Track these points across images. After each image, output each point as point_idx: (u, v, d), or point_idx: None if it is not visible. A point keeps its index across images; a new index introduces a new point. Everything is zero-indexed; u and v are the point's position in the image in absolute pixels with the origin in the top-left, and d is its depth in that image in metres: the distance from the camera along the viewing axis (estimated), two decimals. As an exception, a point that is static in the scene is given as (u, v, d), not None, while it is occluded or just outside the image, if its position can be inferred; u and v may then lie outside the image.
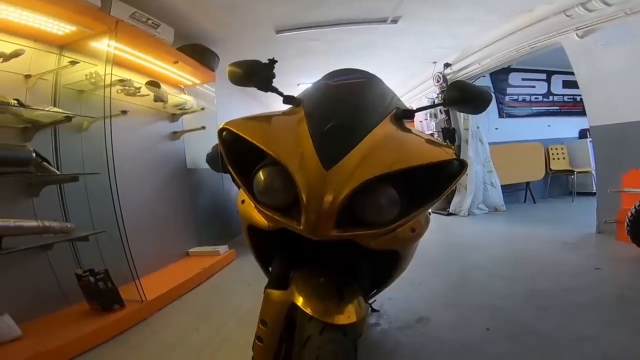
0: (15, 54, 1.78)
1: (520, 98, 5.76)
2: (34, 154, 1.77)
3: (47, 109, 1.86)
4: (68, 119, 1.96)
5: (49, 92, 2.05)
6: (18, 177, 1.78)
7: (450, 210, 4.92)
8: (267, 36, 3.68)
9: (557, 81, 5.86)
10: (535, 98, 5.85)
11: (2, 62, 1.75)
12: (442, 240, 3.65)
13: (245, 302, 2.17)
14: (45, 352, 1.47)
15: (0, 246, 1.57)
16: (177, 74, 3.23)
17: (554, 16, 3.24)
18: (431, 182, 0.87)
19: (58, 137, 2.07)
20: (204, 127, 3.45)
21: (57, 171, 1.95)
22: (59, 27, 2.00)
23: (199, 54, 3.32)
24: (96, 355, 1.61)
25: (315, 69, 4.79)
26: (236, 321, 1.92)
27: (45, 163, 1.86)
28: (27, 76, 1.93)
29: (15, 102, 1.69)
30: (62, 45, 2.13)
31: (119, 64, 2.46)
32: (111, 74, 2.12)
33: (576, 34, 3.11)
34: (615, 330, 1.48)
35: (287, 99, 1.09)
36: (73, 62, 2.03)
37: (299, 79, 5.17)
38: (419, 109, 1.17)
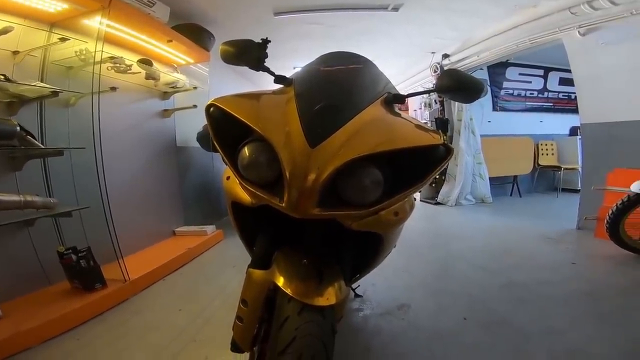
0: (3, 31, 1.74)
1: (516, 92, 5.77)
2: (18, 128, 1.73)
3: (33, 84, 1.82)
4: (54, 94, 1.92)
5: (37, 68, 2.00)
6: (1, 151, 1.75)
7: (439, 199, 4.99)
8: (264, 17, 3.59)
9: (554, 78, 5.87)
10: (531, 93, 5.87)
11: (-11, 39, 1.70)
12: (428, 229, 3.71)
13: (230, 284, 2.20)
14: (25, 331, 1.47)
15: None
16: (171, 53, 3.16)
17: (558, 13, 3.23)
18: (417, 168, 0.86)
19: (44, 112, 2.03)
20: (195, 106, 3.40)
21: (41, 145, 1.92)
22: (51, 5, 1.94)
23: (195, 33, 3.24)
24: (76, 334, 1.61)
25: (312, 53, 4.61)
26: (220, 302, 1.95)
27: (29, 137, 1.83)
28: (15, 52, 1.88)
29: (1, 76, 1.65)
30: (53, 23, 2.07)
31: (111, 42, 2.40)
32: (102, 51, 2.08)
33: (578, 31, 3.11)
34: (583, 324, 1.56)
35: (278, 79, 1.08)
36: (63, 39, 1.97)
37: (295, 62, 5.06)
38: (410, 95, 1.15)
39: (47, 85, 1.90)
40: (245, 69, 1.12)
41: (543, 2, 3.30)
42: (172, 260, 2.56)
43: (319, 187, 0.77)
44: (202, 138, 3.55)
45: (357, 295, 1.90)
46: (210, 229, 3.31)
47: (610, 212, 2.39)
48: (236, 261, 2.60)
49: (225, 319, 1.67)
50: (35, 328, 1.51)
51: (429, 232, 3.60)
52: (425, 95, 5.39)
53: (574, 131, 5.68)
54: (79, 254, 1.88)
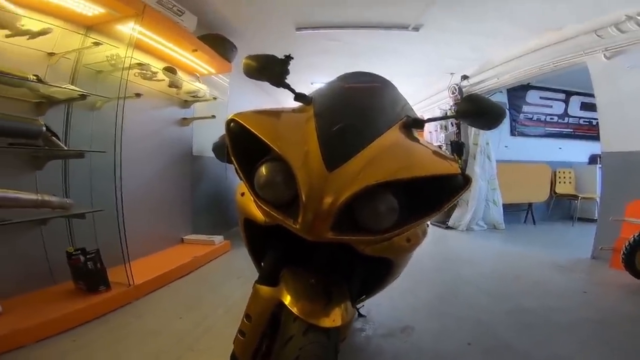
0: (42, 33, 1.82)
1: (535, 117, 5.67)
2: (44, 128, 1.80)
3: (63, 86, 1.90)
4: (82, 97, 2.00)
5: (69, 70, 2.09)
6: (26, 149, 1.81)
7: (449, 224, 4.90)
8: (286, 32, 3.68)
9: (575, 102, 5.76)
10: (551, 118, 5.76)
11: (28, 39, 1.79)
12: (437, 252, 3.65)
13: (233, 295, 2.19)
14: (23, 329, 1.47)
15: None
16: (195, 62, 3.26)
17: (584, 35, 3.19)
18: (433, 194, 0.86)
19: (70, 114, 2.11)
20: (214, 116, 3.48)
21: (64, 146, 1.98)
22: (90, 9, 2.04)
23: (219, 44, 3.34)
24: (74, 335, 1.61)
25: (330, 69, 4.77)
26: (221, 313, 1.93)
27: (53, 137, 1.89)
28: (51, 54, 1.97)
29: (34, 77, 1.73)
30: (89, 27, 2.17)
31: (139, 48, 2.49)
32: (131, 57, 2.16)
33: (604, 54, 3.06)
34: (590, 351, 1.52)
35: (298, 97, 1.09)
36: (96, 44, 2.07)
37: (313, 77, 5.17)
38: (430, 120, 1.16)
39: (77, 89, 1.98)
40: (265, 82, 1.14)
41: (569, 24, 3.27)
42: (178, 267, 2.57)
43: (334, 211, 0.77)
44: (217, 149, 3.62)
45: (360, 315, 1.87)
46: (218, 239, 3.32)
47: (627, 243, 2.38)
48: (241, 273, 2.59)
49: (225, 330, 1.65)
50: (32, 326, 1.51)
51: (437, 255, 3.53)
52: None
53: (593, 159, 5.54)
54: (87, 256, 1.90)
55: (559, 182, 5.45)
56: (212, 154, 3.71)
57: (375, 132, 0.91)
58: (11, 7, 1.67)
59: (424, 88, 5.94)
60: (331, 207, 0.76)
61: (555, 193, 5.41)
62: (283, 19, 3.45)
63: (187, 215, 3.49)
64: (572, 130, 5.90)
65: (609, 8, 2.86)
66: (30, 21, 1.79)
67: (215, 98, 3.48)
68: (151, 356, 1.47)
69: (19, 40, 1.78)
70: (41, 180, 1.94)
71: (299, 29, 3.62)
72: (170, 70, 2.86)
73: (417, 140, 1.01)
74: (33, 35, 1.79)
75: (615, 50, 2.98)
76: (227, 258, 3.22)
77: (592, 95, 3.43)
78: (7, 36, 1.73)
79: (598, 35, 3.06)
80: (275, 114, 1.01)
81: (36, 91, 1.86)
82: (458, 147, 4.95)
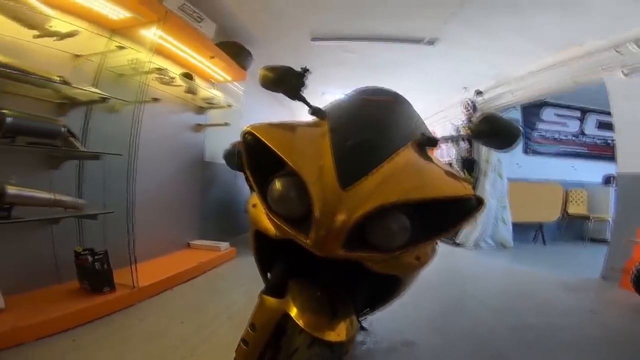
0: (70, 34, 1.89)
1: (550, 135, 5.58)
2: (64, 129, 1.84)
3: (86, 89, 1.96)
4: (103, 99, 2.06)
5: (92, 73, 2.15)
6: (43, 149, 1.85)
7: (457, 240, 4.83)
8: (302, 42, 3.73)
9: (591, 121, 5.66)
10: (565, 137, 5.66)
11: (55, 40, 1.85)
12: (443, 267, 3.58)
13: (236, 302, 2.18)
14: (24, 327, 1.48)
15: (10, 215, 1.60)
16: (211, 69, 3.32)
17: (603, 52, 3.14)
18: (444, 213, 0.86)
19: (90, 116, 2.16)
20: (227, 124, 3.54)
21: (81, 147, 2.02)
22: (116, 12, 2.11)
23: (235, 52, 3.41)
24: (74, 334, 1.61)
25: (342, 80, 4.83)
26: (223, 319, 1.93)
27: (72, 138, 1.93)
28: (76, 56, 2.03)
29: (59, 78, 1.79)
30: (114, 30, 2.24)
31: (158, 53, 2.55)
32: (151, 62, 2.22)
33: (622, 71, 3.01)
34: None
35: (313, 110, 1.10)
36: (120, 47, 2.13)
37: (324, 88, 5.21)
38: (444, 138, 1.17)
39: (99, 91, 2.03)
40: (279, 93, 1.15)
41: (590, 40, 3.23)
42: (183, 272, 2.57)
43: (347, 229, 0.77)
44: (229, 156, 3.66)
45: (362, 328, 1.85)
46: (224, 245, 3.32)
47: (638, 264, 2.38)
48: (245, 281, 2.59)
49: (226, 338, 1.65)
50: (33, 324, 1.51)
51: (443, 270, 3.47)
52: (453, 133, 5.34)
53: (607, 180, 5.42)
54: (95, 256, 1.92)
55: (571, 202, 5.35)
56: (222, 161, 3.75)
57: (390, 149, 0.92)
58: (42, 7, 1.73)
59: (437, 102, 5.92)
60: (344, 225, 0.77)
61: (567, 213, 5.30)
62: (299, 29, 3.51)
63: (195, 220, 3.51)
64: (587, 149, 5.79)
65: (631, 24, 2.82)
66: (59, 23, 1.85)
67: (229, 105, 3.53)
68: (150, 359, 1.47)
69: (46, 41, 1.85)
70: (56, 180, 1.98)
71: (314, 39, 3.67)
72: (187, 76, 2.92)
73: (430, 160, 1.01)
74: (61, 36, 1.86)
75: (634, 67, 2.93)
76: (232, 265, 3.21)
77: (609, 114, 3.37)
78: (36, 37, 1.80)
79: (617, 52, 3.01)
80: (290, 127, 1.02)
81: (60, 92, 1.92)
82: (469, 164, 4.94)
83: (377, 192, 0.80)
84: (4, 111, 1.53)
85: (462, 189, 0.88)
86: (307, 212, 0.82)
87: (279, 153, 0.87)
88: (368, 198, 0.79)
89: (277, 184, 0.88)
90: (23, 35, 1.77)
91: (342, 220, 0.77)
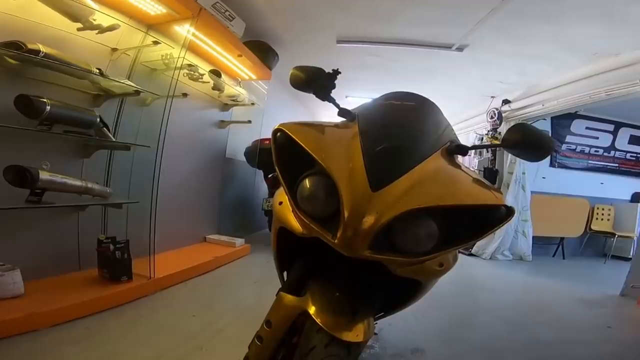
0: (111, 28, 1.96)
1: (579, 149, 5.38)
2: (98, 119, 1.91)
3: (122, 81, 2.02)
4: (137, 92, 2.12)
5: (127, 66, 2.22)
6: (78, 138, 1.91)
7: (473, 251, 4.72)
8: (328, 44, 3.74)
9: (624, 135, 5.43)
10: (595, 151, 5.45)
11: (97, 33, 1.93)
12: (457, 278, 3.50)
13: (248, 299, 2.19)
14: (39, 313, 1.50)
15: (41, 199, 1.65)
16: (238, 67, 3.38)
17: None
18: (471, 221, 0.85)
19: (123, 108, 2.23)
20: (249, 121, 3.58)
21: (113, 138, 2.09)
22: (154, 8, 2.17)
23: (262, 51, 3.45)
24: (86, 323, 1.63)
25: (367, 84, 4.81)
26: (235, 315, 1.93)
27: (105, 129, 2.00)
28: (114, 49, 2.10)
29: (97, 70, 1.85)
30: (150, 25, 2.31)
31: (189, 49, 2.58)
32: (183, 58, 2.27)
33: None
34: None
35: (342, 112, 1.09)
36: (156, 42, 2.20)
37: (348, 91, 5.20)
38: (474, 147, 1.15)
39: (133, 84, 2.09)
40: (301, 92, 1.16)
41: (627, 50, 3.10)
42: (198, 265, 2.59)
43: (375, 231, 0.77)
44: (249, 153, 3.71)
45: (372, 333, 1.83)
46: (239, 241, 3.36)
47: None
48: (258, 277, 2.60)
49: (237, 333, 1.65)
50: (49, 311, 1.54)
51: (457, 281, 3.40)
52: (477, 142, 5.23)
53: (636, 197, 5.19)
54: (117, 245, 1.95)
55: (596, 219, 5.16)
56: (243, 158, 3.80)
57: (420, 155, 0.91)
58: (87, 0, 1.80)
59: (462, 110, 5.82)
60: (372, 227, 0.77)
61: (591, 229, 5.12)
62: (326, 30, 3.51)
63: (213, 215, 3.57)
64: (617, 164, 5.55)
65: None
66: (101, 16, 1.92)
67: (253, 104, 3.58)
68: (161, 351, 1.48)
69: (87, 34, 1.92)
70: (86, 168, 2.05)
71: (340, 41, 3.67)
72: (215, 73, 2.98)
73: (459, 167, 1.01)
74: (102, 30, 1.93)
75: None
76: (246, 261, 3.24)
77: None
78: (79, 29, 1.87)
79: (656, 64, 2.88)
80: (320, 127, 1.02)
81: (97, 84, 1.99)
82: (492, 175, 4.82)
83: (406, 196, 0.80)
84: (44, 100, 1.60)
85: (492, 197, 0.87)
86: (335, 211, 0.82)
87: (310, 151, 0.87)
88: (397, 201, 0.79)
89: (307, 183, 0.88)
90: (66, 27, 1.84)
91: (370, 222, 0.77)
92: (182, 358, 1.44)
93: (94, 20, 1.88)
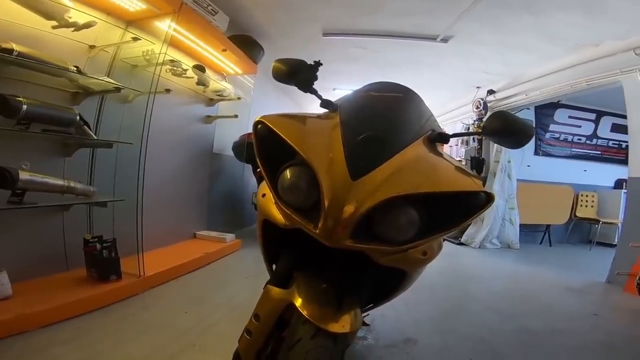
0: (87, 25, 1.91)
1: (562, 137, 5.49)
2: (77, 117, 1.87)
3: (101, 78, 1.98)
4: (117, 89, 2.08)
5: (106, 63, 2.18)
6: (57, 137, 1.87)
7: (462, 240, 4.80)
8: (313, 37, 3.71)
9: (606, 123, 5.56)
10: (578, 139, 5.57)
11: (73, 31, 1.88)
12: (447, 267, 3.59)
13: (239, 294, 2.20)
14: (29, 314, 1.48)
15: (22, 200, 1.62)
16: (223, 62, 3.33)
17: (621, 53, 3.09)
18: (453, 208, 0.86)
19: (103, 105, 2.19)
20: (236, 116, 3.55)
21: (94, 136, 2.05)
22: (132, 4, 2.12)
23: (247, 45, 3.41)
24: (77, 323, 1.61)
25: (354, 76, 4.80)
26: (226, 311, 1.94)
27: (85, 127, 1.96)
28: (92, 46, 2.06)
29: (75, 68, 1.81)
30: (129, 22, 2.26)
31: (171, 45, 2.54)
32: (165, 54, 2.23)
33: None
34: None
35: (325, 103, 1.09)
36: (135, 39, 2.15)
37: (335, 83, 5.19)
38: (455, 135, 1.14)
39: (112, 81, 2.05)
40: (288, 86, 1.15)
41: (608, 41, 3.17)
42: (189, 262, 2.58)
43: (355, 220, 0.77)
44: (237, 148, 3.68)
45: (364, 324, 1.86)
46: (229, 237, 3.35)
47: None
48: (249, 272, 2.61)
49: (229, 328, 1.65)
50: (38, 312, 1.52)
51: (446, 270, 3.47)
52: (462, 131, 5.28)
53: (619, 184, 5.33)
54: (104, 244, 1.93)
55: (581, 206, 5.29)
56: (231, 153, 3.78)
57: (401, 144, 0.91)
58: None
59: (448, 101, 5.87)
60: (352, 216, 0.77)
61: (576, 216, 5.25)
62: (311, 24, 3.49)
63: (202, 211, 3.54)
64: (599, 152, 5.69)
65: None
66: (77, 14, 1.87)
67: (239, 98, 3.55)
68: (152, 348, 1.48)
69: (63, 31, 1.87)
70: (68, 168, 2.01)
71: (326, 34, 3.65)
72: (199, 68, 2.94)
73: (440, 155, 1.00)
74: (78, 27, 1.88)
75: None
76: (236, 256, 3.24)
77: (624, 117, 3.31)
78: (54, 27, 1.82)
79: (637, 54, 2.95)
80: (301, 119, 1.02)
81: (75, 82, 1.95)
82: (478, 164, 4.89)
83: (386, 184, 0.80)
84: (20, 99, 1.56)
85: (472, 184, 0.88)
86: (316, 202, 0.82)
87: (290, 142, 0.87)
88: (377, 189, 0.79)
89: (288, 173, 0.88)
90: (41, 25, 1.79)
91: (350, 211, 0.77)
92: (174, 355, 1.44)
93: (70, 17, 1.83)
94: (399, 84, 1.18)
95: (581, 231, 5.46)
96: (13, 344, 1.38)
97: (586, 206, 5.28)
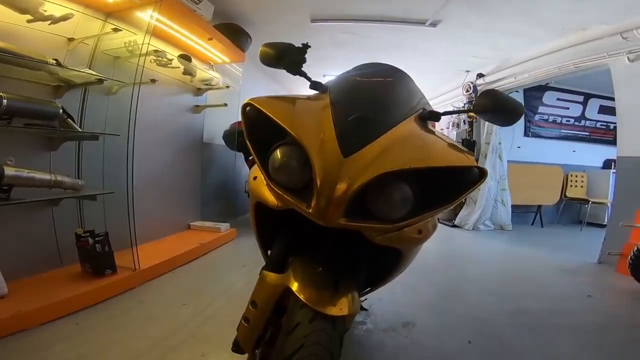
0: (64, 18, 1.85)
1: (551, 119, 5.55)
2: (60, 110, 1.83)
3: (81, 70, 1.93)
4: (100, 81, 2.04)
5: (87, 55, 2.12)
6: (41, 130, 1.83)
7: (456, 222, 4.87)
8: (301, 23, 3.65)
9: (594, 105, 5.62)
10: (567, 120, 5.63)
11: (49, 24, 1.82)
12: (441, 250, 3.64)
13: (237, 283, 2.21)
14: (27, 312, 1.47)
15: (9, 196, 1.59)
16: (209, 51, 3.27)
17: (608, 37, 3.11)
18: (446, 186, 0.85)
19: (86, 98, 2.14)
20: (225, 104, 3.51)
21: (79, 128, 2.01)
22: None
23: (234, 33, 3.34)
24: (76, 318, 1.61)
25: (343, 62, 4.70)
26: (225, 301, 1.95)
27: (69, 120, 1.92)
28: (70, 39, 2.00)
29: (54, 61, 1.76)
30: (109, 13, 2.20)
31: (156, 35, 2.50)
32: (148, 44, 2.17)
33: (627, 57, 3.00)
34: (588, 356, 1.54)
35: (314, 85, 1.08)
36: (116, 30, 2.09)
37: (325, 70, 5.12)
38: (446, 113, 1.13)
39: (94, 73, 2.01)
40: (277, 72, 1.13)
41: (594, 25, 3.18)
42: (184, 253, 2.57)
43: (348, 197, 0.76)
44: (228, 136, 3.65)
45: (362, 309, 1.88)
46: (224, 226, 3.34)
47: (635, 248, 2.38)
48: (246, 261, 2.61)
49: (228, 318, 1.66)
50: (36, 310, 1.51)
51: (441, 253, 3.53)
52: (454, 114, 5.30)
53: (607, 164, 5.42)
54: (96, 238, 1.91)
55: (571, 186, 5.37)
56: (221, 142, 3.74)
57: (391, 122, 0.90)
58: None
59: (438, 85, 5.85)
60: (345, 193, 0.76)
61: (566, 196, 5.34)
62: (299, 10, 3.42)
63: (195, 202, 3.52)
64: (588, 133, 5.76)
65: (638, 10, 2.77)
66: (52, 6, 1.81)
67: (227, 86, 3.50)
68: (154, 341, 1.48)
69: (40, 25, 1.81)
70: (55, 161, 1.97)
71: (314, 20, 3.58)
72: (185, 57, 2.88)
73: (432, 132, 1.00)
74: (55, 20, 1.82)
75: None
76: (232, 246, 3.24)
77: (612, 99, 3.35)
78: (29, 21, 1.76)
79: (623, 38, 2.97)
80: (291, 100, 1.00)
81: (55, 75, 1.90)
82: (470, 145, 4.92)
83: (378, 160, 0.79)
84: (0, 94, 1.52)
85: (464, 159, 0.87)
86: (308, 181, 0.81)
87: (279, 122, 0.86)
88: (370, 166, 0.78)
89: (278, 153, 0.86)
90: (16, 20, 1.73)
91: (343, 188, 0.76)
92: (175, 347, 1.44)
93: (45, 11, 1.77)
94: (388, 65, 1.17)
95: (572, 212, 5.56)
96: (13, 342, 1.38)
97: (576, 186, 5.37)
